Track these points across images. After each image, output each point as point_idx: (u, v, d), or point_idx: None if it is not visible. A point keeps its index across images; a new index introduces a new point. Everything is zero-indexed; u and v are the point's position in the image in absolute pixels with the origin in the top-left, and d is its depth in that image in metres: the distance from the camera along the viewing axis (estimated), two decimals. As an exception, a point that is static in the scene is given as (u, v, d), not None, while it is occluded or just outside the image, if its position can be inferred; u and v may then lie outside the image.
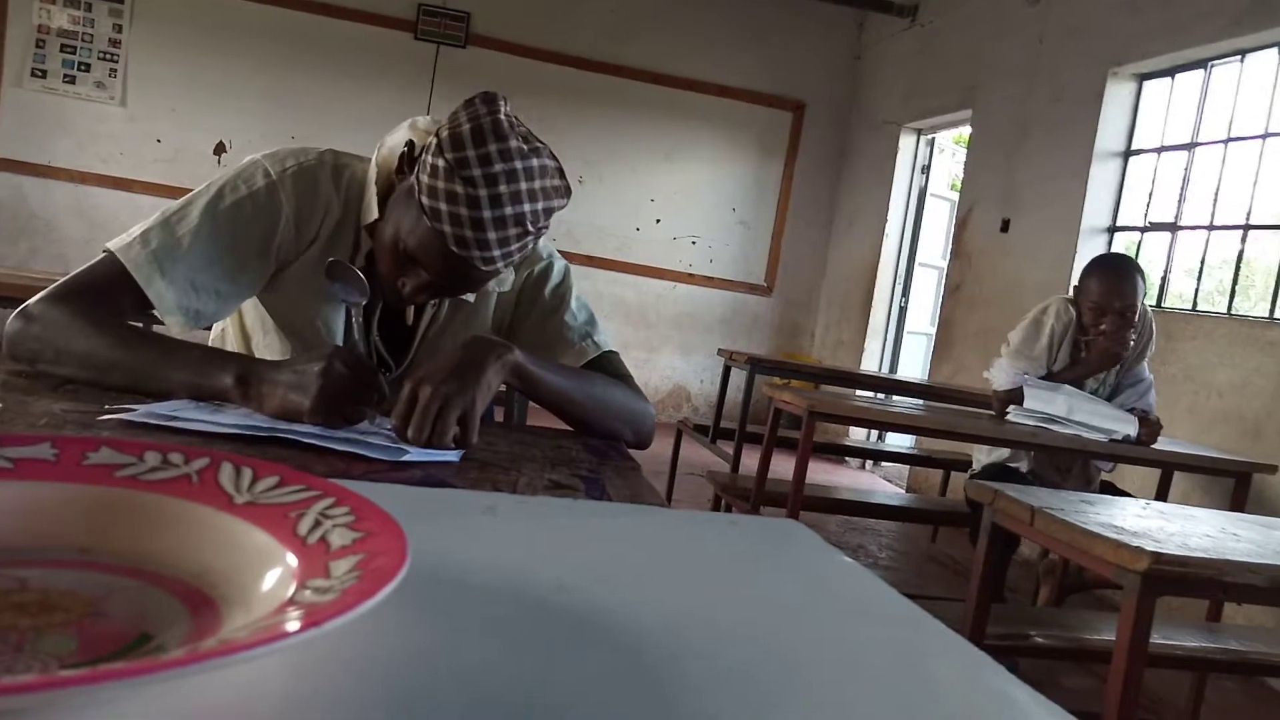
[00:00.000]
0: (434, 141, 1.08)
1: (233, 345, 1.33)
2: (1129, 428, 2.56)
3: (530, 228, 1.10)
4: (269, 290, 1.23)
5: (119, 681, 0.25)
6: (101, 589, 0.38)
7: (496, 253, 1.10)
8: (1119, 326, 2.66)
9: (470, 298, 1.29)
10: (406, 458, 0.91)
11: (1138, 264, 2.79)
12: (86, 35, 5.93)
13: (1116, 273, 2.71)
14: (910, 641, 0.51)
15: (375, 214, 1.19)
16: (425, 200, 1.08)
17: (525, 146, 1.08)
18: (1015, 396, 2.70)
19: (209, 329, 1.35)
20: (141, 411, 0.90)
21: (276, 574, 0.39)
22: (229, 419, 0.93)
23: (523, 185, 1.07)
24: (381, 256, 1.18)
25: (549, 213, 1.12)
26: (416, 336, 1.30)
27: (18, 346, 1.05)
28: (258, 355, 1.28)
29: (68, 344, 1.04)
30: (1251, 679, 2.97)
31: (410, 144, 1.17)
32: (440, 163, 1.06)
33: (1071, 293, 2.84)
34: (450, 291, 1.20)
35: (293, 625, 0.30)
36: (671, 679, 0.41)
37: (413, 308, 1.29)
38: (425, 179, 1.08)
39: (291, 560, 0.40)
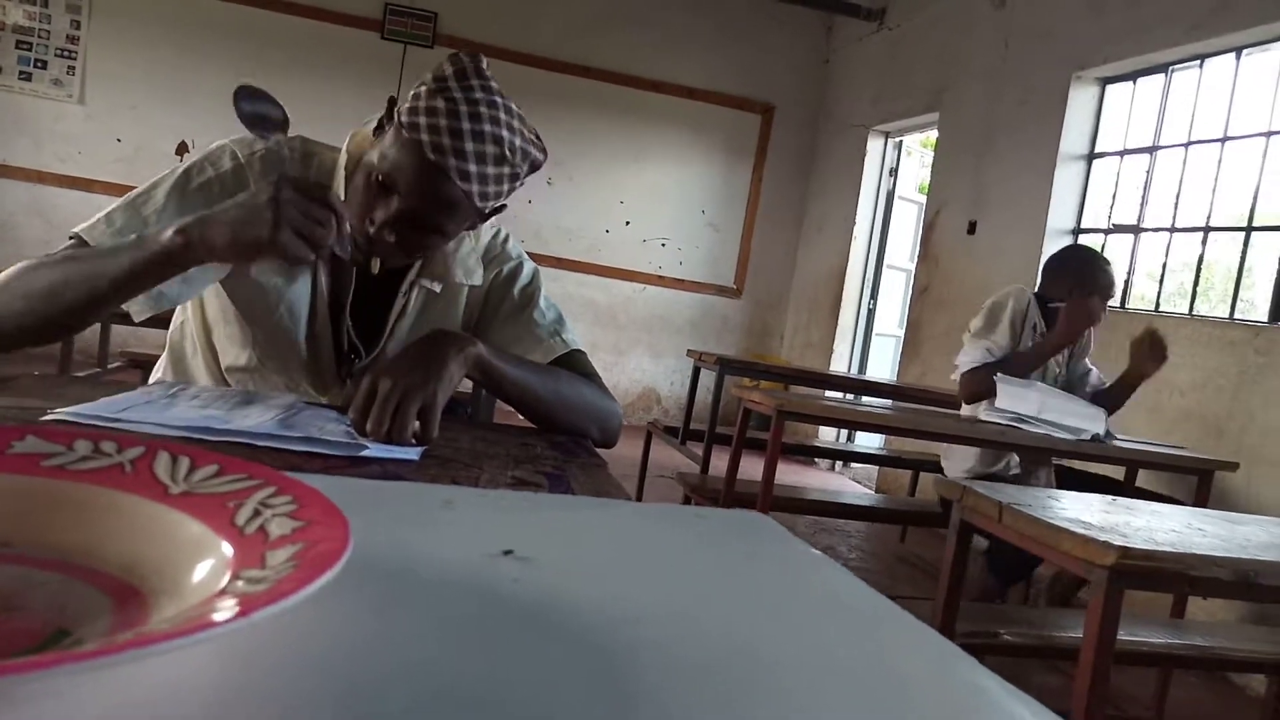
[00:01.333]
0: (416, 88, 1.11)
1: (193, 339, 1.30)
2: (1098, 425, 2.59)
3: (508, 156, 1.11)
4: (233, 275, 1.20)
5: (18, 676, 0.23)
6: (19, 583, 0.36)
7: (472, 168, 1.09)
8: (1101, 307, 2.73)
9: (437, 287, 1.27)
10: (365, 453, 0.88)
11: None
12: (43, 31, 5.81)
13: (1097, 257, 2.84)
14: (878, 633, 0.49)
15: (343, 199, 1.18)
16: (405, 119, 1.09)
17: (506, 97, 1.12)
18: (981, 380, 2.73)
19: (169, 321, 1.33)
20: (86, 413, 0.86)
21: (209, 565, 0.36)
22: (181, 416, 0.90)
23: (502, 115, 1.10)
24: (352, 200, 1.15)
25: (526, 156, 1.14)
26: (387, 326, 1.27)
27: None
28: (219, 348, 1.26)
29: (24, 288, 1.02)
30: (1215, 674, 3.01)
31: (391, 99, 1.17)
32: (422, 90, 1.09)
33: (1038, 286, 2.90)
34: (422, 223, 1.13)
35: (218, 616, 0.28)
36: (633, 674, 0.39)
37: (388, 311, 1.27)
38: (406, 108, 1.10)
39: (227, 550, 0.37)
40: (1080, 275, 2.78)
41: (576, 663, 0.39)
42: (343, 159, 1.21)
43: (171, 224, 0.97)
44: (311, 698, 0.32)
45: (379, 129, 1.17)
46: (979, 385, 2.74)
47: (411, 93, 1.11)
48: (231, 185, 1.15)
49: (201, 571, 0.36)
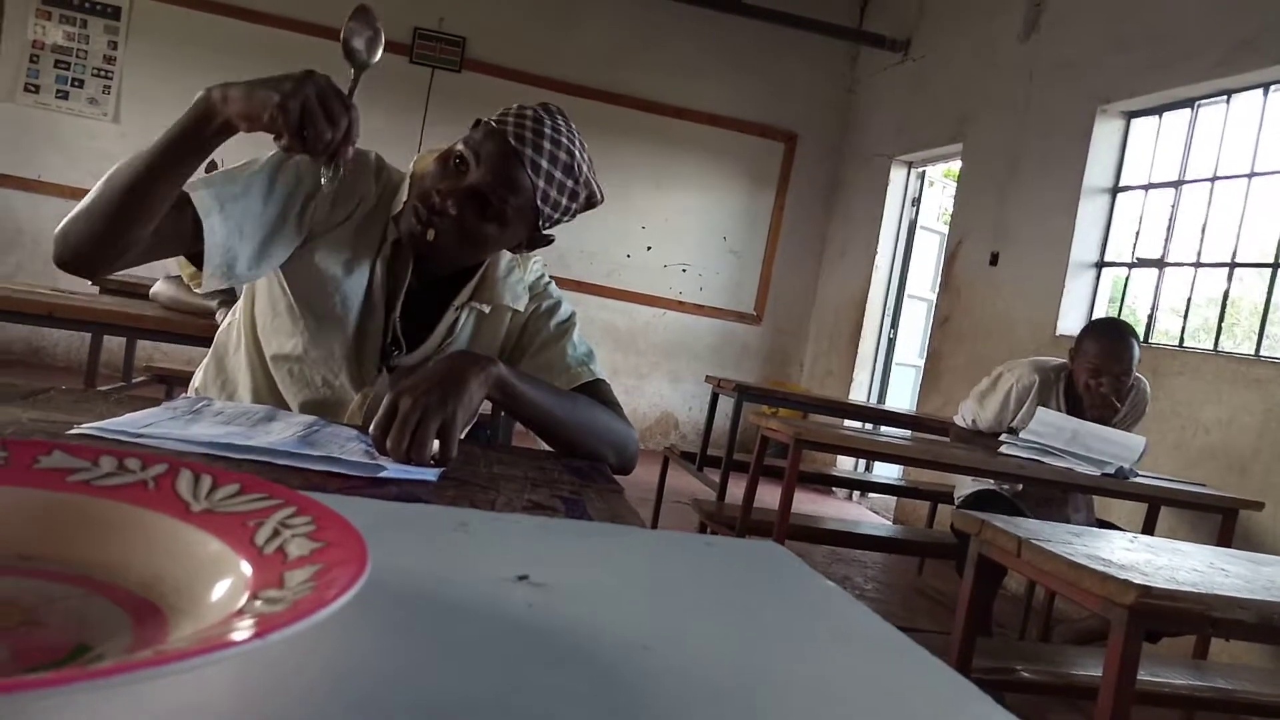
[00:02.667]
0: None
1: (239, 333, 1.35)
2: (1132, 454, 2.56)
3: (575, 172, 1.24)
4: (291, 261, 1.26)
5: (37, 692, 0.23)
6: (42, 597, 0.36)
7: (544, 164, 1.20)
8: (1114, 389, 2.69)
9: (486, 309, 1.33)
10: (384, 474, 0.89)
11: (1133, 329, 2.86)
12: (81, 51, 5.93)
13: (1114, 336, 2.76)
14: (891, 667, 0.49)
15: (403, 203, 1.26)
16: (494, 118, 1.22)
17: (582, 137, 1.28)
18: (960, 440, 2.87)
19: (200, 335, 1.39)
20: (111, 428, 0.88)
21: (229, 584, 0.37)
22: (203, 433, 0.91)
23: (577, 143, 1.25)
24: (421, 179, 1.24)
25: (588, 185, 1.28)
26: (431, 333, 1.32)
27: (69, 235, 1.10)
28: (264, 339, 1.32)
29: (100, 194, 1.08)
30: (1239, 718, 2.94)
31: (478, 120, 1.26)
32: (513, 105, 1.25)
33: (1062, 339, 2.89)
34: (486, 201, 1.21)
35: (236, 636, 0.29)
36: (645, 701, 0.39)
37: (434, 318, 1.31)
38: (496, 113, 1.23)
39: (246, 570, 0.38)
40: (1078, 348, 2.79)
41: (589, 689, 0.39)
42: (410, 170, 1.30)
43: (203, 91, 1.04)
44: (324, 719, 0.32)
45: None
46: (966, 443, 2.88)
47: (502, 109, 1.25)
48: (312, 168, 1.21)
49: (220, 590, 0.36)
